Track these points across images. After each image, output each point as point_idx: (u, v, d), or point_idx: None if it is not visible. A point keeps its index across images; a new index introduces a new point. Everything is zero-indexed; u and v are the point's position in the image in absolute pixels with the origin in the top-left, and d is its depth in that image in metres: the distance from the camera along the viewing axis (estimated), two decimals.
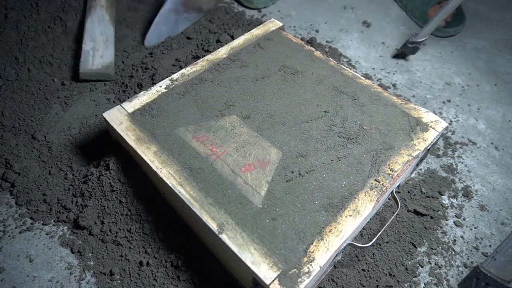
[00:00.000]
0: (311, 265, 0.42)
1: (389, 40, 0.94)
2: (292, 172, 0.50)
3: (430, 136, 0.55)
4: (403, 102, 0.59)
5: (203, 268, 0.53)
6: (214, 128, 0.55)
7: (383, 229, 0.51)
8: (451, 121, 0.77)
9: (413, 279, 0.55)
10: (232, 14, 0.95)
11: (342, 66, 0.65)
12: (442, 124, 0.56)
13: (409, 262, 0.56)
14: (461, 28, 0.94)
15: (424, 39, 0.82)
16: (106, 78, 0.77)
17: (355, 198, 0.48)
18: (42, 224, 0.59)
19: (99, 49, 0.78)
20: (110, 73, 0.76)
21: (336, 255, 0.47)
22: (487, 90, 0.84)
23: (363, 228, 0.58)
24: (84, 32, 0.80)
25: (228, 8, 0.97)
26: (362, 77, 0.63)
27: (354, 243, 0.46)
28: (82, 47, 0.77)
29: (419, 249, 0.58)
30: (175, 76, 0.62)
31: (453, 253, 0.59)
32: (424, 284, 0.55)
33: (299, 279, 0.41)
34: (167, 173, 0.49)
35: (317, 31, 0.94)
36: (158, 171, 0.49)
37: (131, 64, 0.81)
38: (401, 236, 0.58)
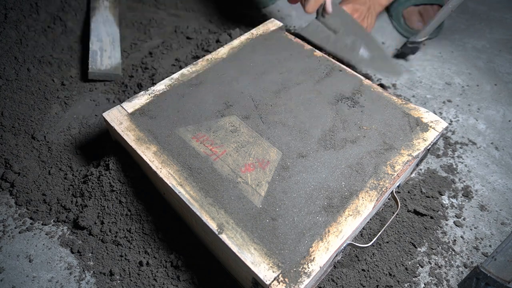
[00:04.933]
0: (311, 265, 0.42)
1: (389, 40, 0.94)
2: (292, 172, 0.50)
3: (430, 136, 0.55)
4: (403, 102, 0.59)
5: (203, 268, 0.53)
6: (214, 128, 0.54)
7: (383, 229, 0.51)
8: (451, 121, 0.77)
9: (413, 279, 0.55)
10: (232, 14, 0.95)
11: (342, 66, 0.65)
12: (442, 124, 0.56)
13: (409, 262, 0.56)
14: (434, 36, 0.93)
15: (424, 39, 0.82)
16: (114, 78, 0.77)
17: (355, 198, 0.48)
18: (42, 224, 0.59)
19: (106, 49, 0.78)
20: (119, 73, 0.77)
21: (336, 255, 0.47)
22: (487, 90, 0.84)
23: (363, 228, 0.58)
24: (90, 33, 0.80)
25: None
26: (362, 77, 0.63)
27: (354, 243, 0.46)
28: (89, 47, 0.78)
29: (419, 249, 0.58)
30: (175, 76, 0.62)
31: (453, 253, 0.59)
32: (424, 284, 0.55)
33: (299, 279, 0.41)
34: (166, 173, 0.49)
35: None
36: (158, 171, 0.49)
37: (131, 64, 0.81)
38: (401, 236, 0.58)
